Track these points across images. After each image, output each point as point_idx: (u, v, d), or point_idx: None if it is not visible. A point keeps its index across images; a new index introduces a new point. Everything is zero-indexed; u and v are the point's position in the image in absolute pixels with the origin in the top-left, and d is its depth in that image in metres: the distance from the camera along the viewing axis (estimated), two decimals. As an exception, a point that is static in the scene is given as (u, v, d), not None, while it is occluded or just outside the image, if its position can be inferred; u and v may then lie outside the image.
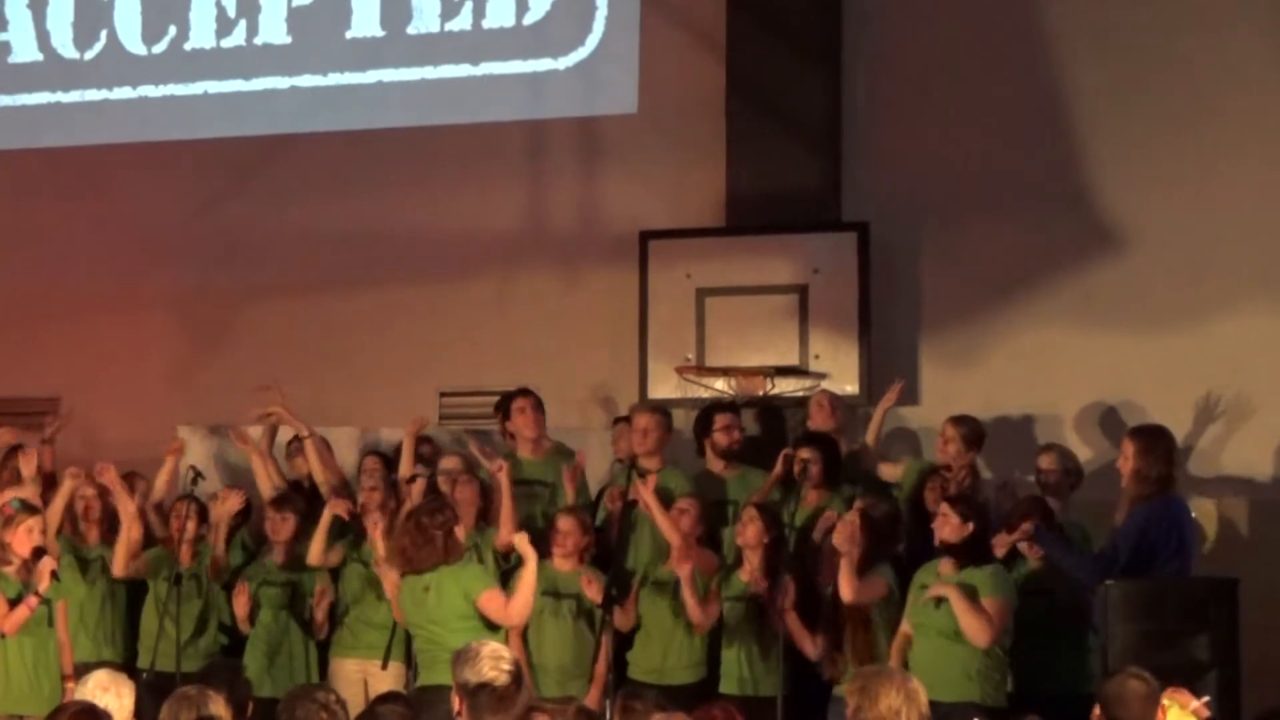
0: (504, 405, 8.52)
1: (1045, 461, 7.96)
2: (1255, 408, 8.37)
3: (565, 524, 7.74)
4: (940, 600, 6.97)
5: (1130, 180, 8.65)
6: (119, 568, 8.15)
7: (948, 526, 7.06)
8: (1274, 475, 8.37)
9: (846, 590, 7.12)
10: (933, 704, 5.48)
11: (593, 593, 7.50)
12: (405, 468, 8.11)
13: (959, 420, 7.96)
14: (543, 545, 7.72)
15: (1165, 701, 5.53)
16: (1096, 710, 5.55)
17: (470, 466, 8.19)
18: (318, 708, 5.10)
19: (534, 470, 8.29)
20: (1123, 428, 8.33)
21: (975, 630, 6.88)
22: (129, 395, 9.90)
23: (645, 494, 7.62)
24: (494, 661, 4.96)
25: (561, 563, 7.71)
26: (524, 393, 8.43)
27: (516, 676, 4.95)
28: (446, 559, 7.14)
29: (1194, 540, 7.33)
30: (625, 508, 7.87)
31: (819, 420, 8.22)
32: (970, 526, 7.05)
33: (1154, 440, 7.25)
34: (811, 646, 7.24)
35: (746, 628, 7.48)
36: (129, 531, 8.13)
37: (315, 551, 8.03)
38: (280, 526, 8.20)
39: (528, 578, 7.20)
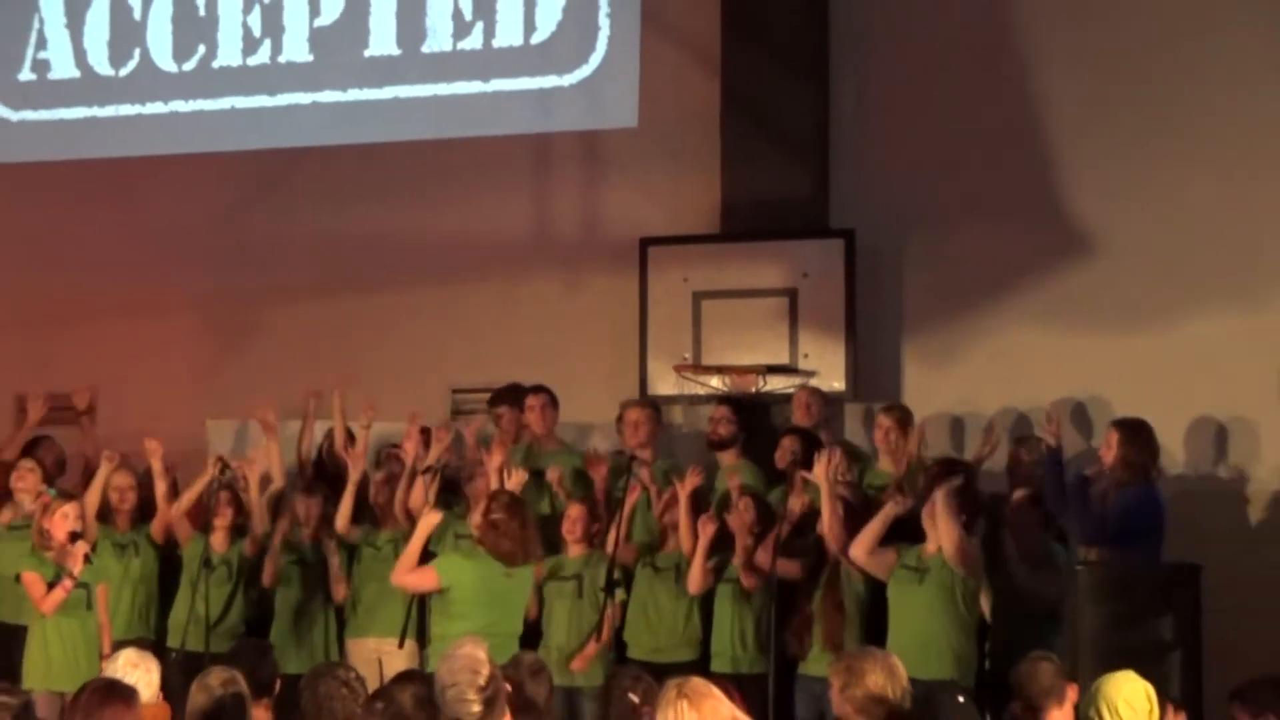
0: (498, 397, 8.58)
1: (1022, 453, 8.04)
2: (1218, 404, 8.41)
3: (575, 511, 7.85)
4: (923, 576, 7.05)
5: (1101, 190, 8.69)
6: (178, 510, 8.28)
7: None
8: (1234, 466, 8.43)
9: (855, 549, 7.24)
10: (912, 681, 5.58)
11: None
12: (431, 456, 8.08)
13: (889, 408, 8.15)
14: (555, 533, 7.81)
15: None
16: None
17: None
18: (339, 684, 5.15)
19: (543, 463, 8.35)
20: (1094, 423, 8.45)
21: (949, 538, 6.98)
22: (157, 391, 9.94)
23: (682, 495, 7.71)
24: (459, 695, 4.66)
25: (574, 547, 7.79)
26: (536, 390, 8.51)
27: (489, 699, 4.67)
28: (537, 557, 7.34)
29: (1165, 526, 7.41)
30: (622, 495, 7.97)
31: (799, 417, 8.30)
32: (963, 518, 7.15)
33: (1139, 431, 7.40)
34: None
35: (737, 609, 7.57)
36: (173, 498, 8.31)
37: (343, 518, 8.10)
38: (310, 509, 8.29)
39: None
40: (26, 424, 8.73)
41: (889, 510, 7.26)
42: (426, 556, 7.38)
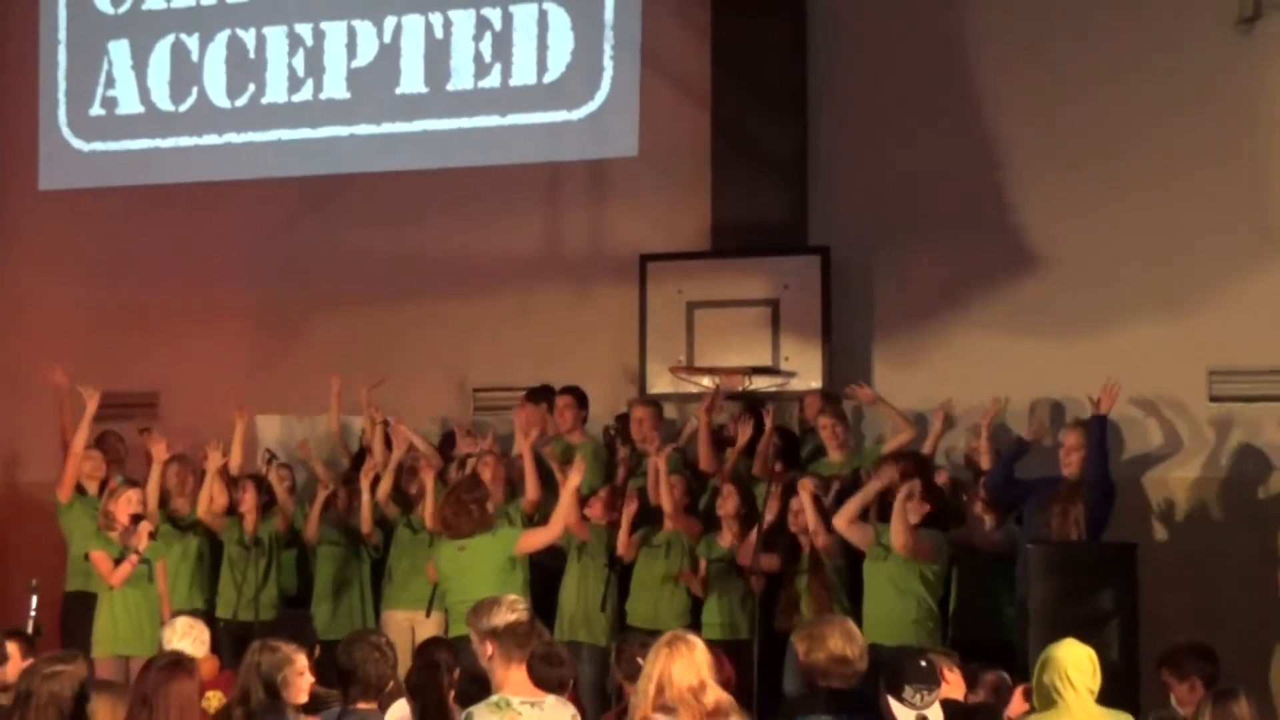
0: (535, 395, 8.54)
1: (976, 443, 8.01)
2: (1149, 401, 8.37)
3: (603, 493, 7.88)
4: (889, 553, 7.01)
5: (1047, 211, 8.66)
6: (201, 510, 8.23)
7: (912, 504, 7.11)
8: (1165, 456, 8.40)
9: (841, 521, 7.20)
10: (879, 647, 5.54)
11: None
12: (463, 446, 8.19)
13: (823, 410, 8.12)
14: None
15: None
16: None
17: (496, 450, 8.22)
18: (371, 648, 5.12)
19: (569, 453, 8.33)
20: (1040, 416, 8.41)
21: (899, 533, 6.94)
22: (213, 389, 9.88)
23: (660, 465, 7.68)
24: (511, 605, 4.98)
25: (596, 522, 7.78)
26: (564, 391, 8.46)
27: (532, 616, 4.98)
28: (481, 527, 7.18)
29: None
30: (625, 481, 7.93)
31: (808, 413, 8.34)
32: (928, 506, 7.11)
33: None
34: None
35: (726, 583, 7.54)
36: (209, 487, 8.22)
37: (383, 492, 8.10)
38: (342, 497, 8.25)
39: (566, 496, 7.34)
40: (85, 416, 8.67)
41: (871, 486, 7.21)
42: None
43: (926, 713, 4.82)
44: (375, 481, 8.11)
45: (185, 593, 8.17)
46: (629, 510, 7.60)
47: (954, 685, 5.48)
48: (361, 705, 5.03)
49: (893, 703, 4.88)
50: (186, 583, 8.23)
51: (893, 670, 5.15)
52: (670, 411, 8.75)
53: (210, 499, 8.20)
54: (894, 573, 7.04)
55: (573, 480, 7.34)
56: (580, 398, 8.47)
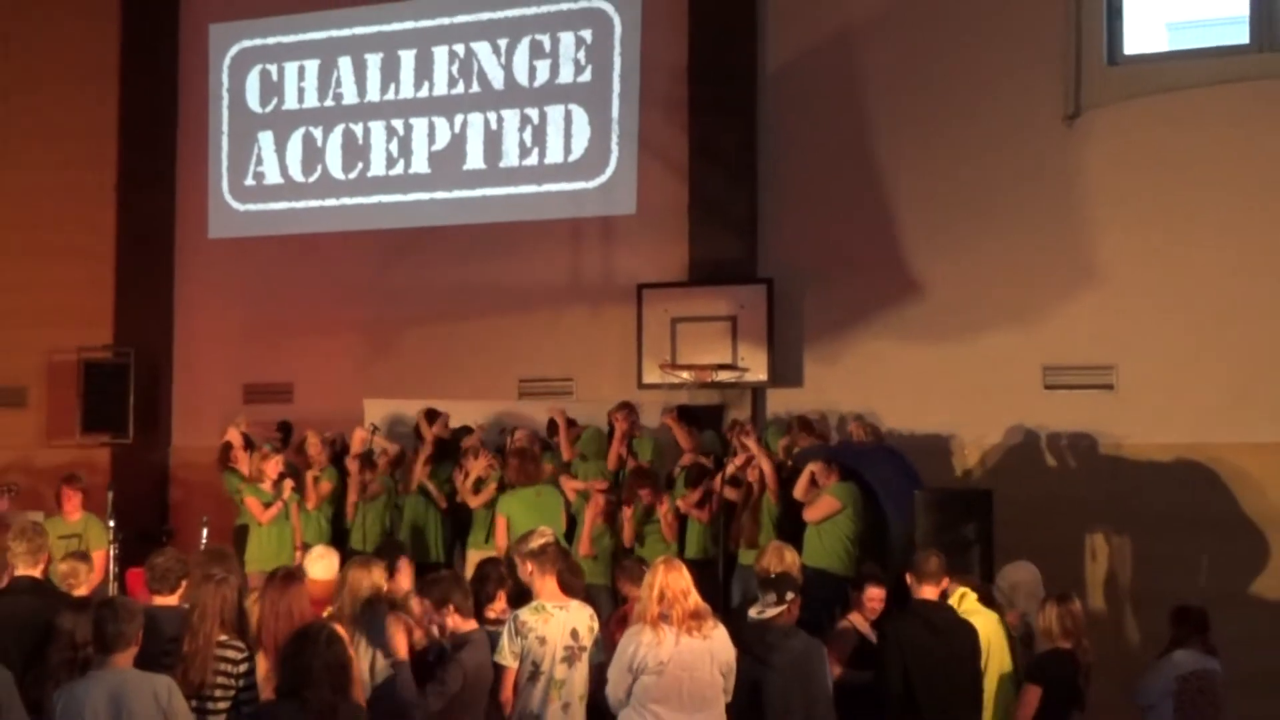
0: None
1: (853, 428, 7.98)
2: (1002, 389, 8.37)
3: (594, 498, 7.79)
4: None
5: (928, 253, 8.63)
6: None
7: (831, 475, 7.09)
8: (1012, 428, 8.37)
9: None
10: (805, 567, 5.55)
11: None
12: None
13: (859, 419, 8.05)
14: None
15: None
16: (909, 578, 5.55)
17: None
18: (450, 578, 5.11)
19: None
20: (930, 407, 8.40)
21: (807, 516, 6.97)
22: (333, 381, 9.91)
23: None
24: (542, 533, 5.04)
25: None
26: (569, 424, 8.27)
27: (555, 540, 5.08)
28: (545, 476, 7.37)
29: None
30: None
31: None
32: (835, 468, 7.10)
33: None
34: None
35: (700, 525, 7.55)
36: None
37: (467, 493, 7.97)
38: (420, 469, 8.24)
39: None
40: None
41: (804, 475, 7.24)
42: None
43: (768, 612, 4.83)
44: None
45: (316, 528, 8.18)
46: (629, 530, 7.53)
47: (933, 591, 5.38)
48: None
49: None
50: (316, 522, 8.24)
51: (814, 583, 5.20)
52: (660, 397, 8.76)
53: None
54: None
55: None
56: (570, 421, 8.21)
